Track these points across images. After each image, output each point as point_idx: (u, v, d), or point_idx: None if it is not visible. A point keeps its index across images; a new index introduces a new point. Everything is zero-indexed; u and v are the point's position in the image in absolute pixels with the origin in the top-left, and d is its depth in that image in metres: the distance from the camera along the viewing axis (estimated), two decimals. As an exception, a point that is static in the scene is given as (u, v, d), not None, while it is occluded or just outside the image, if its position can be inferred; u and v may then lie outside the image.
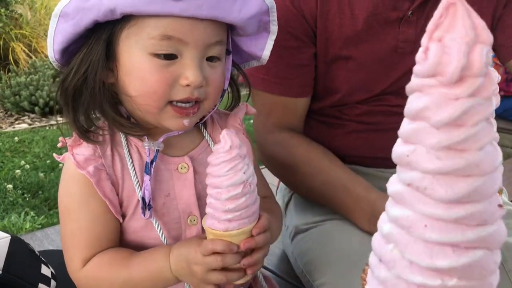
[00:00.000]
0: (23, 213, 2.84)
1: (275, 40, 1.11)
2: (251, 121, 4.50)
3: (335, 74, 1.21)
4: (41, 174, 3.45)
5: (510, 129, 3.28)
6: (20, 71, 5.27)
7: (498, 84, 0.62)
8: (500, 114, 3.26)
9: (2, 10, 5.58)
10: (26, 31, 5.85)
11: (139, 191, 0.85)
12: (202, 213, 0.85)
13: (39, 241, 1.56)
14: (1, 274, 1.09)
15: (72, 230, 0.86)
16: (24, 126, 4.77)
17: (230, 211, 0.76)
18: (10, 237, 1.24)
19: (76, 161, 0.83)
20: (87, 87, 0.80)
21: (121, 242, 0.89)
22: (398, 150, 0.39)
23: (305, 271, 1.17)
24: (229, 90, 0.95)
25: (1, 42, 5.61)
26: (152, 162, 0.85)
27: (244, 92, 1.02)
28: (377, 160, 1.25)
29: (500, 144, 0.41)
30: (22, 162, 3.68)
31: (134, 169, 0.86)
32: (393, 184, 0.40)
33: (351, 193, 1.11)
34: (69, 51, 0.82)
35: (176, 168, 0.89)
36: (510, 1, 1.21)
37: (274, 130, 1.25)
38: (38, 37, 5.84)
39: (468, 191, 0.35)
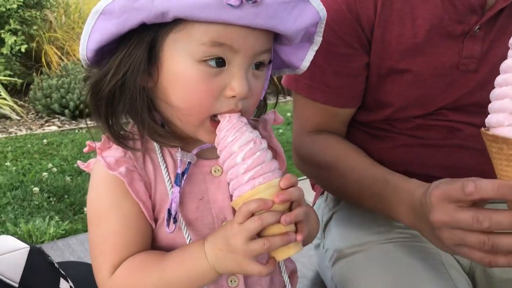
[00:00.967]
0: (47, 217, 2.80)
1: (323, 45, 1.04)
2: (280, 130, 4.45)
3: (388, 88, 1.11)
4: (68, 178, 3.42)
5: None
6: (52, 74, 5.30)
7: None
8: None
9: (37, 14, 5.64)
10: (59, 34, 5.89)
11: (172, 194, 0.81)
12: None
13: (60, 251, 1.49)
14: None
15: (103, 235, 0.81)
16: (54, 128, 4.78)
17: (250, 167, 0.73)
18: (29, 248, 1.20)
19: (107, 163, 0.79)
20: (124, 91, 0.76)
21: (152, 248, 0.85)
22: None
23: None
24: None
25: (35, 45, 5.66)
26: (183, 173, 0.81)
27: (271, 101, 0.99)
28: (426, 178, 1.14)
29: None
30: (50, 165, 3.66)
31: (168, 172, 0.82)
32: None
33: (390, 184, 1.01)
34: (103, 51, 0.77)
35: (209, 171, 0.85)
36: None
37: (313, 132, 1.18)
38: (71, 41, 5.88)
39: None
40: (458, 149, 1.12)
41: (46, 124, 4.91)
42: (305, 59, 0.88)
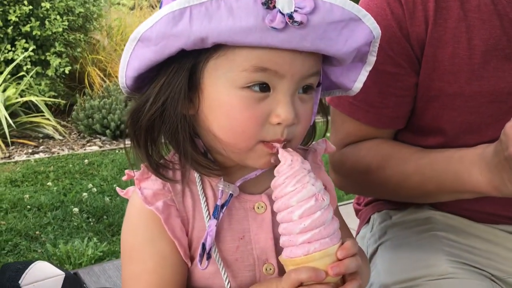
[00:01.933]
0: (86, 238, 2.81)
1: None
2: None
3: (438, 112, 1.04)
4: (107, 199, 3.44)
5: None
6: (95, 95, 5.41)
7: None
8: None
9: (82, 36, 5.80)
10: (101, 56, 6.04)
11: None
12: (279, 262, 0.76)
13: (96, 276, 1.47)
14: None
15: (136, 273, 0.77)
16: (95, 148, 4.86)
17: (307, 229, 0.67)
18: (64, 275, 1.18)
19: (144, 196, 0.76)
20: (165, 119, 0.73)
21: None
22: None
23: None
24: None
25: (78, 67, 5.81)
26: (223, 206, 0.76)
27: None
28: (485, 215, 1.06)
29: None
30: (90, 185, 3.69)
31: (208, 208, 0.77)
32: None
33: (453, 157, 0.93)
34: (142, 78, 0.74)
35: (252, 207, 0.80)
36: None
37: (353, 144, 1.12)
38: (113, 62, 6.01)
39: None
40: None
41: (88, 144, 5.00)
42: (357, 80, 0.82)
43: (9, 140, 4.59)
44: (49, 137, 5.10)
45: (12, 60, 5.21)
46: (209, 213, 0.77)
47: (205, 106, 0.72)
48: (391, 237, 1.17)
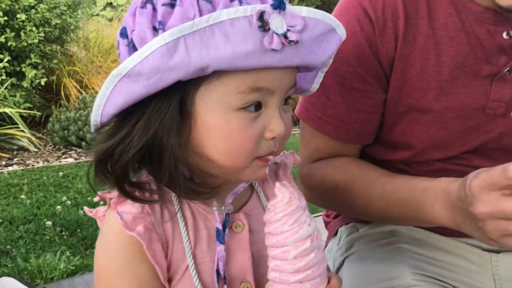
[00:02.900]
0: (59, 252, 2.77)
1: (338, 79, 0.99)
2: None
3: (406, 127, 1.05)
4: (81, 212, 3.39)
5: None
6: (71, 106, 5.36)
7: None
8: None
9: (58, 48, 5.75)
10: (78, 68, 5.99)
11: (190, 255, 0.74)
12: (257, 279, 0.78)
13: (65, 292, 1.45)
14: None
15: None
16: (70, 160, 4.80)
17: (301, 270, 0.67)
18: None
19: (124, 221, 0.72)
20: (153, 153, 0.70)
21: None
22: None
23: None
24: None
25: (55, 78, 5.75)
26: (224, 227, 0.76)
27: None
28: (448, 229, 1.08)
29: None
30: (64, 198, 3.64)
31: (186, 230, 0.75)
32: None
33: (417, 187, 0.94)
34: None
35: (230, 226, 0.78)
36: None
37: (323, 159, 1.13)
38: (90, 74, 5.97)
39: None
40: None
41: (63, 156, 4.93)
42: (315, 82, 0.84)
43: (-18, 152, 4.51)
44: (23, 149, 5.03)
45: (-14, 71, 5.14)
46: (188, 236, 0.75)
47: (198, 132, 0.70)
48: (357, 250, 1.18)
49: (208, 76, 0.66)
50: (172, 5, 0.66)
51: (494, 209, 0.73)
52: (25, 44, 5.29)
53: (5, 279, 1.17)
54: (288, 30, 0.65)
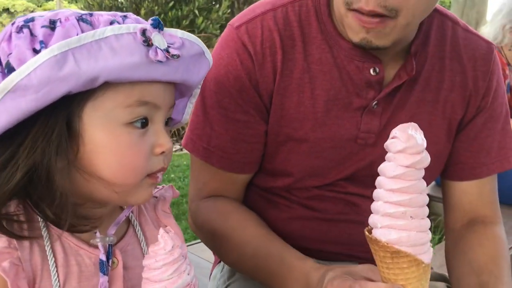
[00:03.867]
0: None
1: (221, 110, 1.03)
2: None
3: (286, 156, 1.09)
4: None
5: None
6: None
7: None
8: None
9: None
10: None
11: None
12: None
13: None
14: None
15: None
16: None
17: None
18: None
19: None
20: (38, 181, 0.66)
21: None
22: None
23: None
24: None
25: None
26: (108, 258, 0.74)
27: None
28: (323, 254, 1.12)
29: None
30: None
31: (56, 267, 0.71)
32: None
33: (285, 262, 0.98)
34: None
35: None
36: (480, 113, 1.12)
37: (210, 197, 1.14)
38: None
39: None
40: (355, 224, 1.10)
41: None
42: (185, 112, 0.87)
43: None
44: None
45: None
46: (57, 273, 0.70)
47: (87, 150, 0.68)
48: (238, 277, 1.19)
49: (95, 90, 0.66)
50: (52, 28, 0.66)
51: None
52: None
53: None
54: (169, 46, 0.69)
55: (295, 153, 1.08)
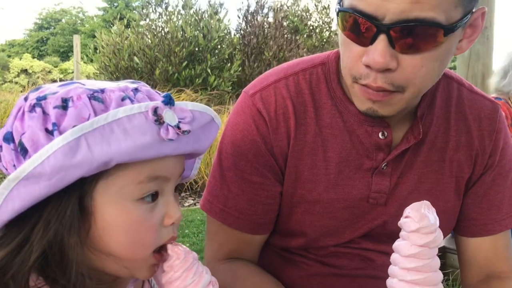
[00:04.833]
0: None
1: (238, 173, 1.05)
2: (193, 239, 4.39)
3: (300, 217, 1.12)
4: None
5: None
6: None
7: None
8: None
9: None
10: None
11: None
12: None
13: None
14: None
15: None
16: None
17: None
18: None
19: None
20: (53, 257, 0.66)
21: None
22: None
23: None
24: None
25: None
26: None
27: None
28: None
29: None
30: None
31: None
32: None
33: None
34: None
35: None
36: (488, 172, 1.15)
37: (226, 259, 1.15)
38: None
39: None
40: (371, 279, 1.12)
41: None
42: (194, 168, 0.88)
43: None
44: None
45: None
46: None
47: (98, 227, 0.68)
48: None
49: (107, 170, 0.66)
50: (64, 107, 0.67)
51: None
52: None
53: None
54: (179, 121, 0.70)
55: (310, 214, 1.11)
